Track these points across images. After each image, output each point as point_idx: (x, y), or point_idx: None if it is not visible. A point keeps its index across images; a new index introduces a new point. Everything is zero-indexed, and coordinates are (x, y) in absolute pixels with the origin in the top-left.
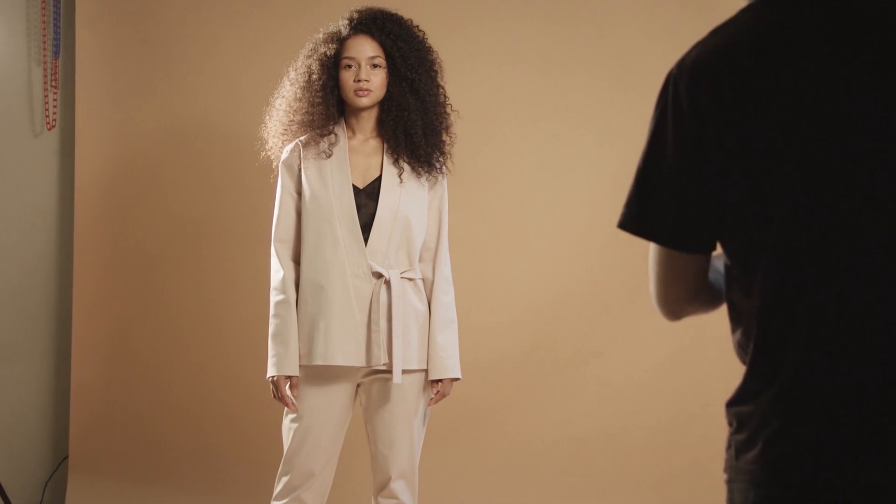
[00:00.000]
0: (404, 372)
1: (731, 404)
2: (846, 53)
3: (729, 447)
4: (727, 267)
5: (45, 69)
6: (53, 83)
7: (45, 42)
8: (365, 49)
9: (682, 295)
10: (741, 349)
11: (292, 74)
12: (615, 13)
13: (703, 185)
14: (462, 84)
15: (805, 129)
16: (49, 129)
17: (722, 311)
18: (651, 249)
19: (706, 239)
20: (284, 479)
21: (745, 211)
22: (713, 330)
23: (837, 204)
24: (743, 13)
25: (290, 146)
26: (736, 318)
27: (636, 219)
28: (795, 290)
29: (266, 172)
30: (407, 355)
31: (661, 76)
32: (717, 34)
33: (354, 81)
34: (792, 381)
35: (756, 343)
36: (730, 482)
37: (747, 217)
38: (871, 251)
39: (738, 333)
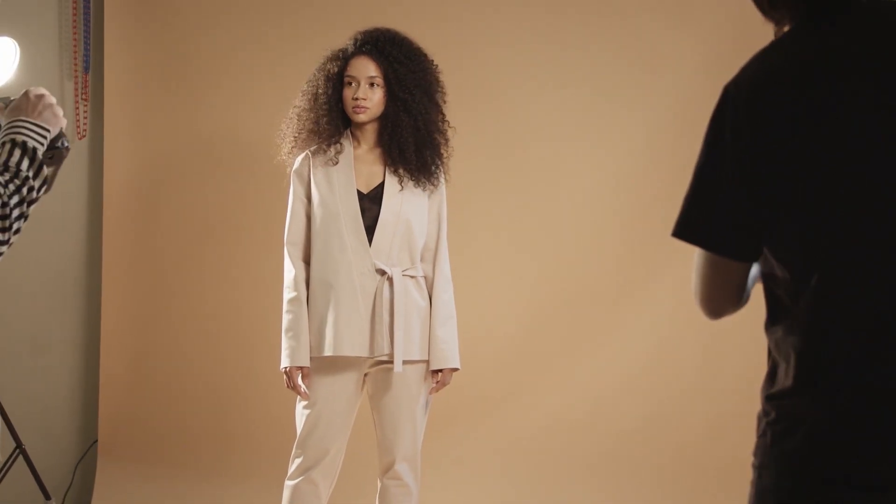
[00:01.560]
0: (407, 363)
1: (772, 397)
2: (883, 79)
3: (763, 435)
4: (769, 271)
5: (76, 83)
6: (84, 96)
7: (76, 58)
8: (365, 69)
9: (727, 298)
10: (779, 345)
11: (304, 87)
12: (607, 30)
13: (757, 198)
14: (463, 95)
15: (854, 148)
16: (80, 139)
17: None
18: (699, 255)
19: (756, 248)
20: (297, 461)
21: (797, 223)
22: (695, 324)
23: (883, 219)
24: (788, 36)
25: (300, 156)
26: (777, 318)
27: (692, 228)
28: (845, 300)
29: (279, 179)
30: (408, 347)
31: (649, 90)
32: (769, 55)
33: (353, 98)
34: (839, 381)
35: (804, 344)
36: (761, 467)
37: (800, 228)
38: None
39: (779, 331)
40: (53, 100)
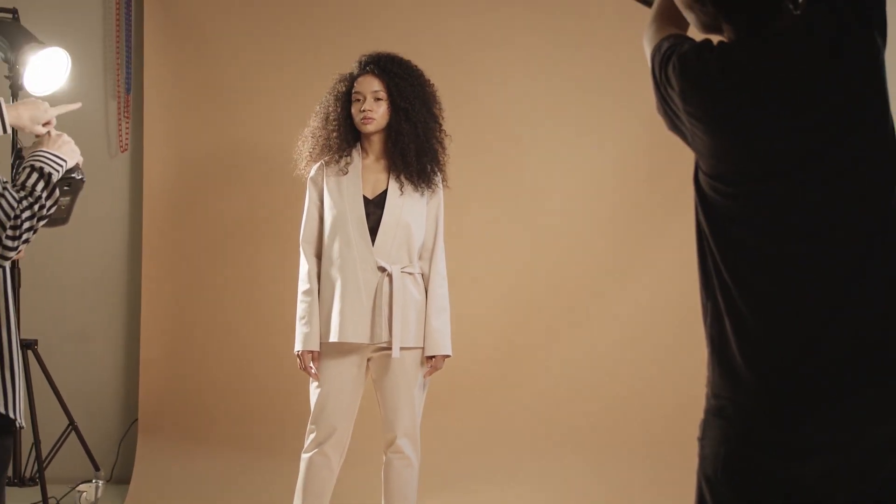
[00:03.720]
0: (404, 349)
1: (710, 382)
2: (794, 100)
3: (705, 413)
4: (707, 280)
5: (118, 102)
6: (126, 114)
7: (118, 80)
8: (370, 85)
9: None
10: (713, 339)
11: (317, 109)
12: (600, 34)
13: None
14: (457, 103)
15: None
16: (122, 152)
17: (680, 306)
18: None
19: None
20: (312, 436)
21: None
22: (666, 315)
23: (797, 233)
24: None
25: (315, 166)
26: (712, 315)
27: None
28: (764, 300)
29: (295, 188)
30: (405, 335)
31: (636, 94)
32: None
33: (360, 111)
34: (762, 368)
35: (732, 337)
36: (702, 439)
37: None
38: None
39: (714, 326)
40: (71, 140)
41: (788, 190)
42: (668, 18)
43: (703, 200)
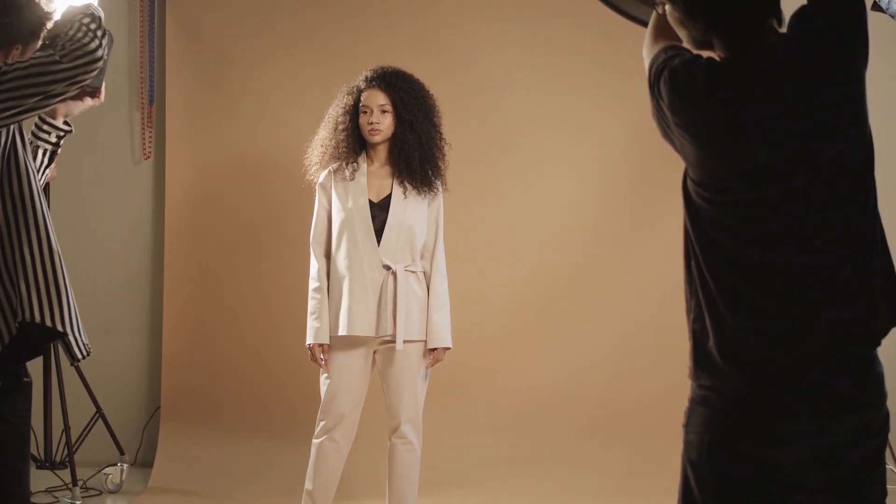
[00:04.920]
0: (407, 342)
1: (695, 372)
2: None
3: (690, 401)
4: (690, 280)
5: (142, 113)
6: (149, 124)
7: (142, 92)
8: (376, 99)
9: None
10: (697, 335)
11: (325, 121)
12: (591, 41)
13: None
14: (456, 111)
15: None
16: (146, 159)
17: (664, 302)
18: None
19: None
20: (322, 423)
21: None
22: (656, 308)
23: (772, 239)
24: (729, 61)
25: (324, 172)
26: (696, 313)
27: None
28: (746, 300)
29: (306, 193)
30: (408, 329)
31: (625, 101)
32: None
33: (368, 123)
34: (744, 361)
35: (716, 334)
36: (687, 426)
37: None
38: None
39: (698, 323)
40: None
41: (768, 199)
42: (665, 30)
43: (690, 205)
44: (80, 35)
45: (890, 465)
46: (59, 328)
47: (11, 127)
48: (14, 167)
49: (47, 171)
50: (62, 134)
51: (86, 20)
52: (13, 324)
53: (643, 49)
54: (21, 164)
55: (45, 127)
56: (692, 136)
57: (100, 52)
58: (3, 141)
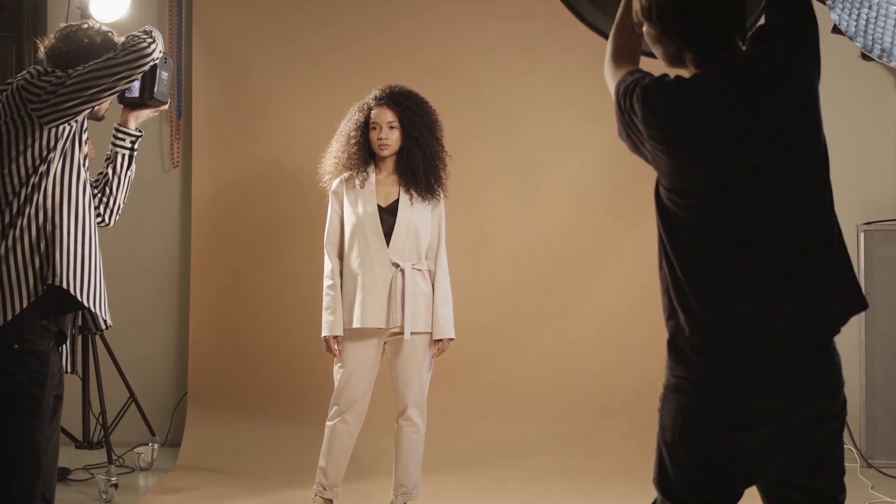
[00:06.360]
0: (414, 333)
1: (669, 362)
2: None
3: (664, 388)
4: (663, 278)
5: (170, 126)
6: (177, 136)
7: (171, 107)
8: (385, 116)
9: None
10: (670, 330)
11: (337, 134)
12: (583, 48)
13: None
14: (458, 128)
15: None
16: (174, 168)
17: (643, 296)
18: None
19: None
20: (335, 407)
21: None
22: (644, 294)
23: (741, 240)
24: (701, 75)
25: (336, 181)
26: (669, 309)
27: None
28: (715, 296)
29: (321, 199)
30: (415, 321)
31: (610, 107)
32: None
33: (378, 139)
34: (712, 351)
35: (687, 328)
36: (661, 410)
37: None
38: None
39: (671, 319)
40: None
41: (733, 201)
42: (624, 56)
43: (662, 210)
44: (133, 40)
45: (848, 445)
46: (80, 298)
47: (73, 126)
48: (70, 158)
49: (129, 171)
50: (135, 138)
51: (139, 31)
52: (41, 287)
53: (605, 73)
54: (75, 158)
55: (120, 135)
56: (665, 146)
57: (150, 49)
58: (66, 134)
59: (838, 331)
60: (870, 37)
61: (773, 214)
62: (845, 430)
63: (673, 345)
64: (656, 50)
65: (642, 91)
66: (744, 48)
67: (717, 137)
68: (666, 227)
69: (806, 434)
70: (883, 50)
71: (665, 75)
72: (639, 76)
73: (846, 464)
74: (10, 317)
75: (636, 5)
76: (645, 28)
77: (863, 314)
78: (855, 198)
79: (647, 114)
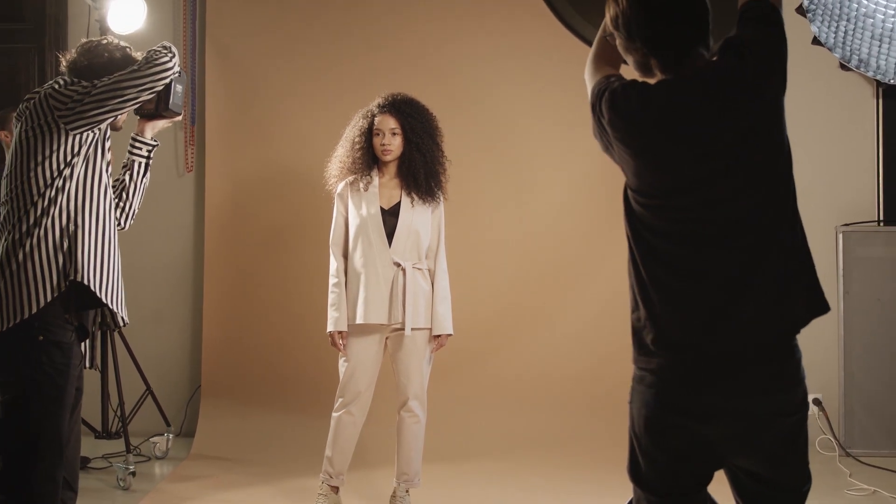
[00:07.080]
0: (415, 329)
1: (635, 356)
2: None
3: (633, 381)
4: (632, 271)
5: (185, 132)
6: (191, 142)
7: (185, 114)
8: (388, 123)
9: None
10: (635, 325)
11: (342, 140)
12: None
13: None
14: (457, 134)
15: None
16: (188, 172)
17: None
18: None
19: None
20: (340, 399)
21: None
22: (625, 299)
23: (702, 238)
24: (663, 83)
25: (341, 184)
26: (635, 304)
27: None
28: (676, 292)
29: (327, 201)
30: (416, 317)
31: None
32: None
33: (381, 145)
34: (675, 346)
35: (651, 323)
36: (630, 402)
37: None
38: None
39: (636, 313)
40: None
41: (697, 203)
42: (605, 59)
43: (629, 211)
44: (155, 55)
45: (827, 436)
46: (99, 295)
47: (97, 133)
48: (93, 164)
49: (145, 179)
50: (151, 147)
51: (159, 46)
52: (64, 283)
53: (585, 75)
54: (98, 163)
55: (137, 144)
56: (629, 148)
57: (171, 63)
58: (90, 140)
59: (797, 332)
60: (848, 48)
61: (735, 217)
62: (826, 422)
63: (636, 337)
64: (628, 58)
65: (610, 94)
66: (712, 58)
67: (679, 141)
68: (632, 227)
69: (766, 428)
70: (860, 60)
71: (635, 80)
72: (611, 81)
73: (825, 453)
74: (34, 310)
75: (607, 16)
76: (616, 38)
77: (841, 311)
78: (835, 201)
79: (613, 116)
